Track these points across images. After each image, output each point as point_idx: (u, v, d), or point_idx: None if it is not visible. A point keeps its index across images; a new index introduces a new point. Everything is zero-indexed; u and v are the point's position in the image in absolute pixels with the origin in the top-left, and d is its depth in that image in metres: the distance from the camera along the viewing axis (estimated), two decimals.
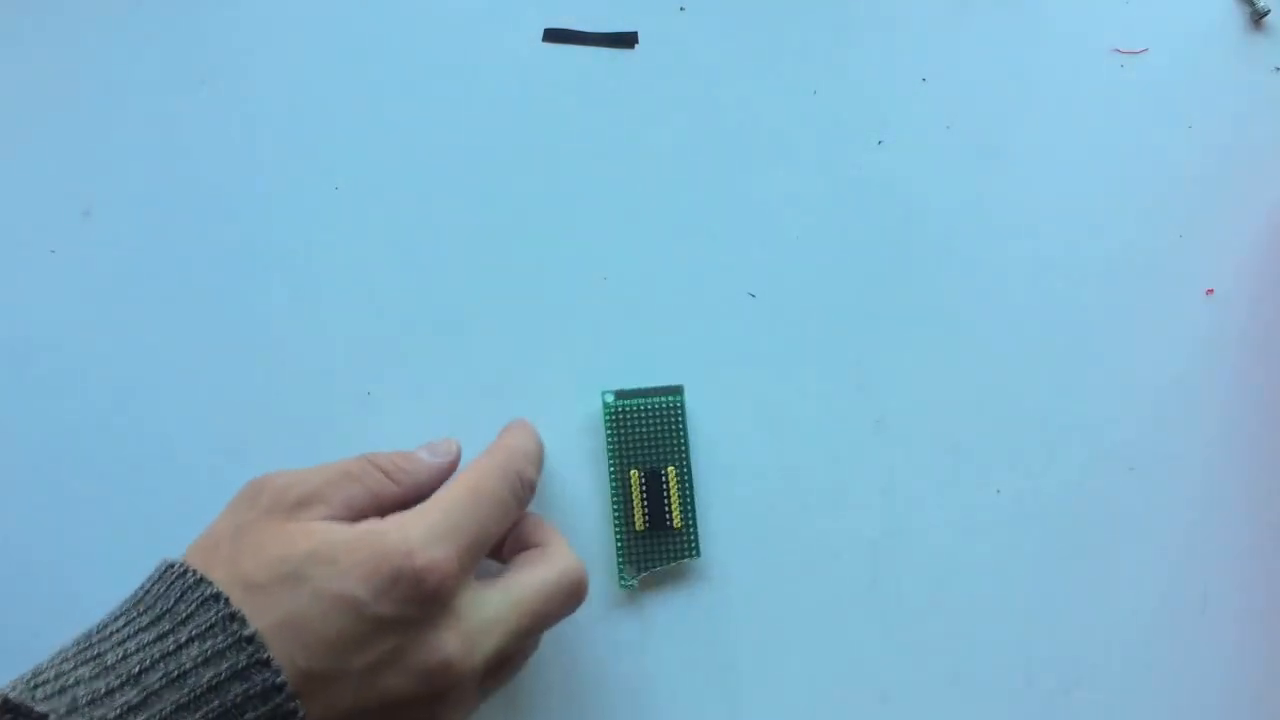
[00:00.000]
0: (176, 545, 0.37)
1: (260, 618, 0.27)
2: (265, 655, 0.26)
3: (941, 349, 0.39)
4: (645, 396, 0.38)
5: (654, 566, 0.37)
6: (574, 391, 0.38)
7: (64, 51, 0.40)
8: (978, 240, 0.39)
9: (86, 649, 0.27)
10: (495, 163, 0.40)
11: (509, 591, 0.31)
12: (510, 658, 0.32)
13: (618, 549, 0.37)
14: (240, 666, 0.26)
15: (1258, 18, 0.41)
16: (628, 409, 0.38)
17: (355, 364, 0.39)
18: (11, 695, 0.25)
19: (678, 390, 0.38)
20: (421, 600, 0.28)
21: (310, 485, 0.31)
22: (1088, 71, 0.40)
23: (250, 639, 0.26)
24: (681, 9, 0.41)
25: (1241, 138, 0.40)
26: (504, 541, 0.34)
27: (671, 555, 0.37)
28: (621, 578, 0.37)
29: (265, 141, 0.40)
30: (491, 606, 0.30)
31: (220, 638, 0.26)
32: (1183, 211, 0.40)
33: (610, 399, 0.38)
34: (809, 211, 0.40)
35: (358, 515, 0.31)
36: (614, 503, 0.37)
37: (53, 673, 0.26)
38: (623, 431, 0.38)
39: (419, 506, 0.30)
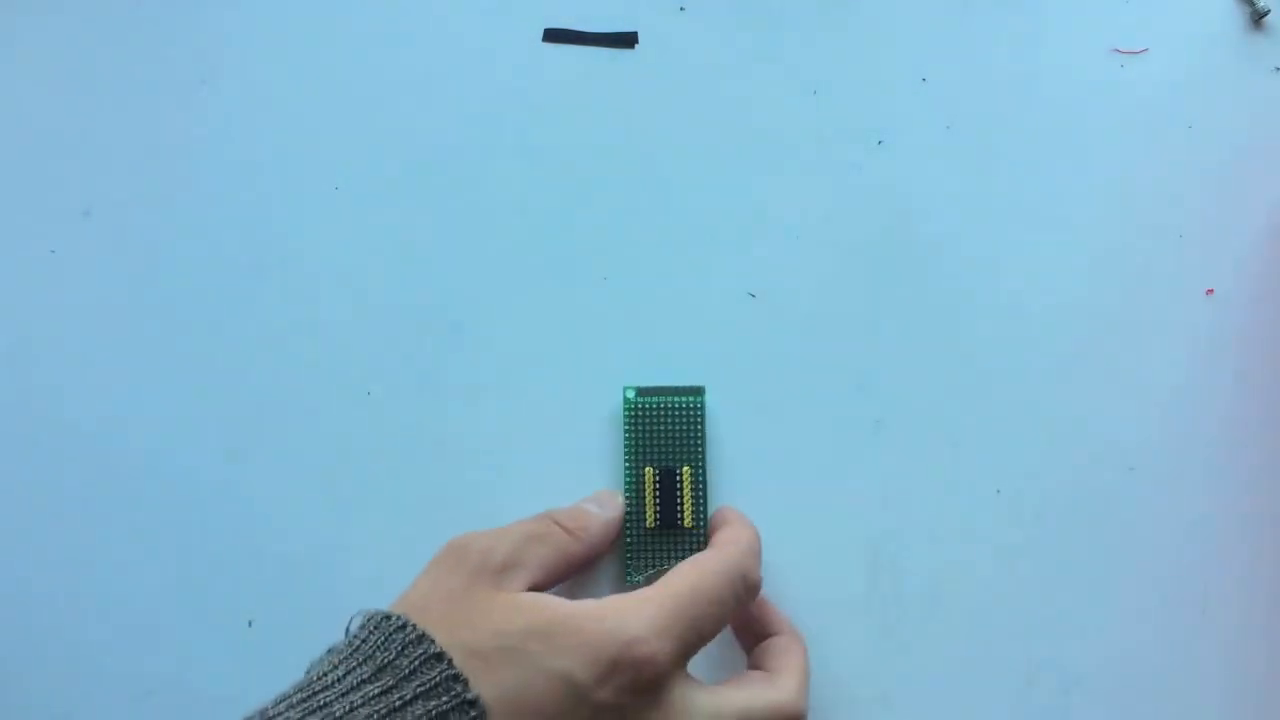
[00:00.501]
0: (176, 545, 0.38)
1: (481, 686, 0.27)
2: None
3: (941, 349, 0.39)
4: (666, 395, 0.38)
5: (662, 565, 0.37)
6: (574, 391, 0.38)
7: (64, 51, 0.40)
8: (977, 240, 0.39)
9: (310, 698, 0.27)
10: (495, 162, 0.40)
11: (718, 703, 0.31)
12: None
13: (626, 544, 0.37)
14: None
15: (1258, 18, 0.41)
16: (648, 406, 0.38)
17: (354, 364, 0.39)
18: None
19: (699, 391, 0.38)
20: (638, 690, 0.29)
21: (509, 548, 0.32)
22: (1088, 71, 0.40)
23: (474, 703, 0.27)
24: (681, 9, 0.41)
25: (1241, 138, 0.40)
26: (750, 633, 0.35)
27: (680, 554, 0.37)
28: (628, 573, 0.37)
29: (265, 141, 0.40)
30: (699, 710, 0.30)
31: (444, 698, 0.27)
32: (1183, 211, 0.40)
33: (631, 395, 0.38)
34: (809, 211, 0.40)
35: (551, 575, 0.33)
36: (626, 498, 0.37)
37: None
38: (641, 428, 0.38)
39: (637, 595, 0.30)
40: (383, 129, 0.40)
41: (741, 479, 0.38)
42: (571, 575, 0.34)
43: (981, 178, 0.40)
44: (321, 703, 0.26)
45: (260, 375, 0.39)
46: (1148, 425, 0.39)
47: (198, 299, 0.39)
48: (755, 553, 0.34)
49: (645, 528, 0.37)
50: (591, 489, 0.38)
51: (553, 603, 0.30)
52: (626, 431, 0.38)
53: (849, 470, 0.38)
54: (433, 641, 0.28)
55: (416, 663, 0.27)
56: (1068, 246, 0.39)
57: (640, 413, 0.38)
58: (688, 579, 0.31)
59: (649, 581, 0.37)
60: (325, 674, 0.27)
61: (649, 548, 0.37)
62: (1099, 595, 0.38)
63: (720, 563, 0.32)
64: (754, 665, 0.34)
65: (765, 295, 0.39)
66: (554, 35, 0.41)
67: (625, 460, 0.38)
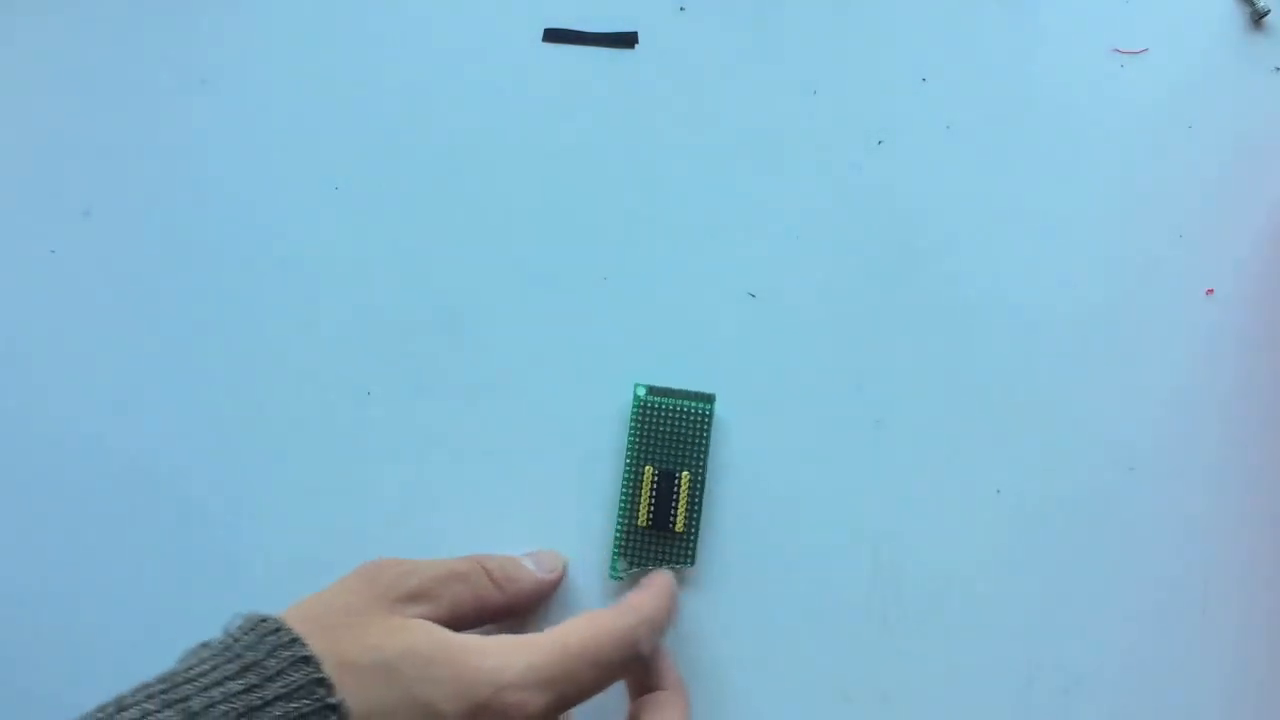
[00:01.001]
0: (175, 545, 0.38)
1: (346, 695, 0.27)
2: None
3: (941, 349, 0.39)
4: (676, 398, 0.38)
5: (647, 565, 0.37)
6: (572, 391, 0.38)
7: (64, 52, 0.41)
8: (977, 240, 0.39)
9: (170, 690, 0.27)
10: (495, 163, 0.40)
11: None
12: None
13: (615, 539, 0.37)
14: None
15: (1258, 18, 0.41)
16: (656, 405, 0.38)
17: (354, 364, 0.39)
18: None
19: (709, 398, 0.38)
20: None
21: (423, 579, 0.31)
22: (1088, 71, 0.40)
23: (335, 708, 0.26)
24: (681, 9, 0.41)
25: (1241, 138, 0.40)
26: (637, 683, 0.35)
27: (666, 558, 0.37)
28: (613, 568, 0.37)
29: (265, 141, 0.40)
30: None
31: (306, 701, 0.26)
32: (1183, 211, 0.40)
33: (641, 392, 0.38)
34: (809, 212, 0.40)
35: (459, 617, 0.32)
36: (623, 493, 0.37)
37: (137, 711, 0.26)
38: (647, 427, 0.38)
39: (527, 639, 0.30)
40: (383, 129, 0.40)
41: (740, 478, 0.38)
42: (484, 624, 0.34)
43: (981, 178, 0.40)
44: (180, 695, 0.26)
45: (260, 375, 0.39)
46: (1148, 425, 0.39)
47: (197, 299, 0.39)
48: (654, 625, 0.33)
49: (637, 526, 0.37)
50: (590, 488, 0.38)
51: (440, 631, 0.30)
52: (632, 428, 0.38)
53: (849, 470, 0.38)
54: (304, 645, 0.27)
55: (284, 664, 0.27)
56: (1067, 246, 0.39)
57: (648, 411, 0.38)
58: (581, 634, 0.31)
59: (632, 581, 0.37)
60: (191, 668, 0.27)
61: (637, 546, 0.37)
62: (1099, 595, 0.38)
63: (617, 626, 0.31)
64: (633, 717, 0.34)
65: (765, 295, 0.39)
66: (554, 35, 0.41)
67: (627, 456, 0.38)
